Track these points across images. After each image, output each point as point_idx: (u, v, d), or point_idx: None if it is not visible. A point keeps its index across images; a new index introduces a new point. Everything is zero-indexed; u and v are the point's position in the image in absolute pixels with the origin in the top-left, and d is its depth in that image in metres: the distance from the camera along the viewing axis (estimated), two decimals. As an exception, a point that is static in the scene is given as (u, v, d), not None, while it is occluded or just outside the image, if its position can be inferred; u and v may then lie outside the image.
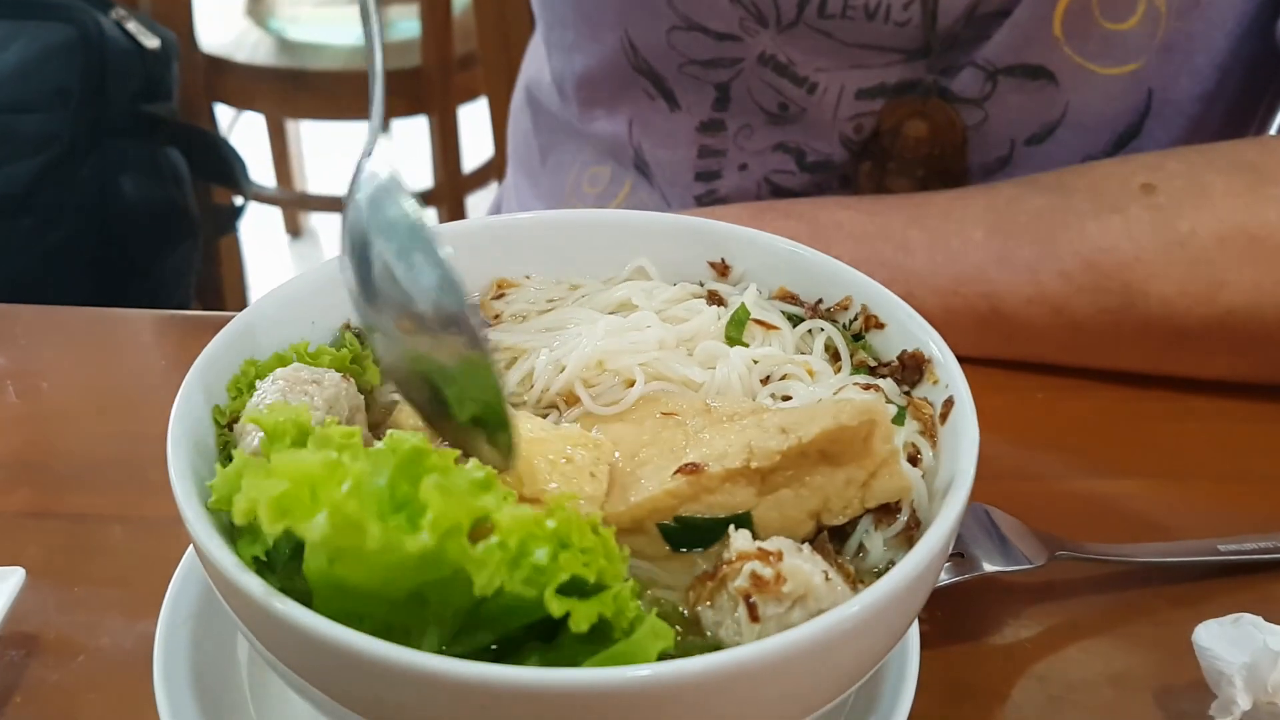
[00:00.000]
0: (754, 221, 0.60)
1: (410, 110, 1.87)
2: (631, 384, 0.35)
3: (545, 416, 0.36)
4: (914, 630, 0.39)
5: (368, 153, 0.38)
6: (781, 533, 0.32)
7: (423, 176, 2.06)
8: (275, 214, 2.71)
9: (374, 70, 0.38)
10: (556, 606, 0.26)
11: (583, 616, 0.26)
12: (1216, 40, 0.61)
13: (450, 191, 1.97)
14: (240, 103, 1.90)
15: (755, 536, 0.30)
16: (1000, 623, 0.43)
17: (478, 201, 2.06)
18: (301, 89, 1.85)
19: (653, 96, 0.72)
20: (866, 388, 0.36)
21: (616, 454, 0.33)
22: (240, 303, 1.63)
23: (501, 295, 0.42)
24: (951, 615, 0.42)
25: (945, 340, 0.54)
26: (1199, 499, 0.49)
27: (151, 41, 1.16)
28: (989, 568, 0.42)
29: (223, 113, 1.96)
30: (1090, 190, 0.54)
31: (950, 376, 0.35)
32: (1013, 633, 0.42)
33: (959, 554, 0.42)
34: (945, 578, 0.41)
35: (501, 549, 0.26)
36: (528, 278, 0.43)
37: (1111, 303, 0.52)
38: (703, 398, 0.35)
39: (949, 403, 0.34)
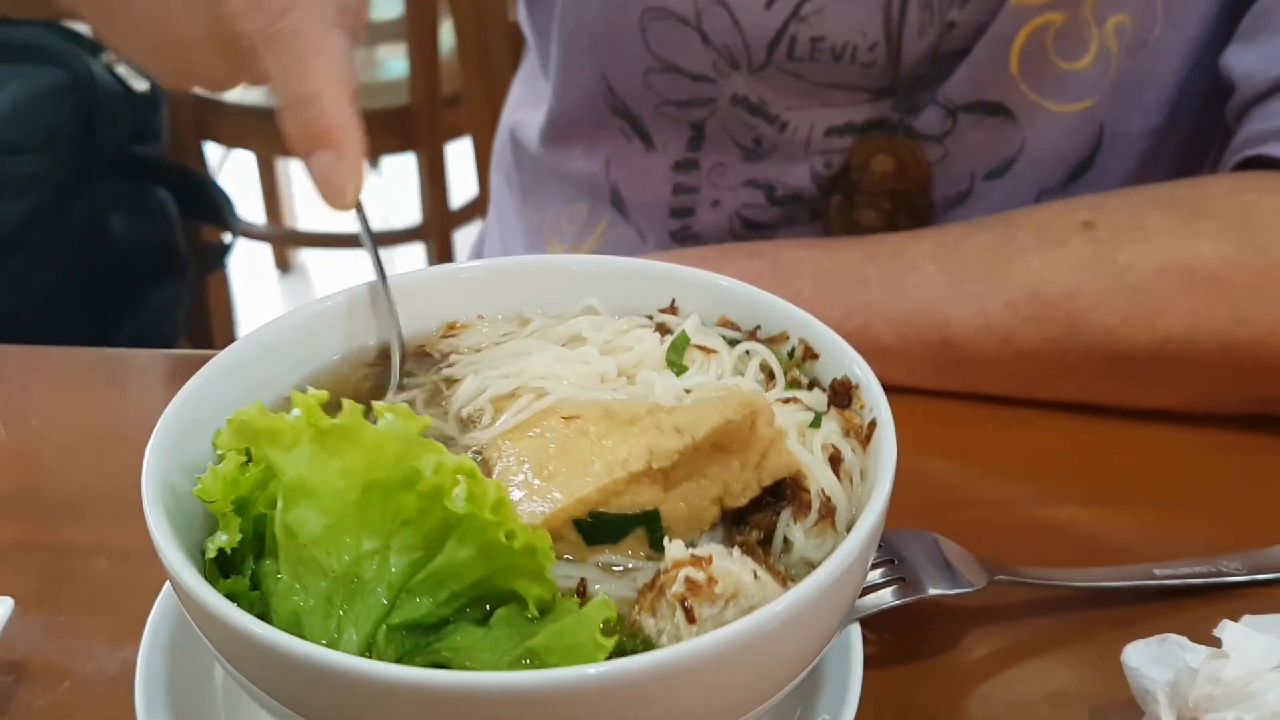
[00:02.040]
0: (722, 260, 0.63)
1: (399, 147, 1.91)
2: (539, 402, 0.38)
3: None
4: (859, 650, 0.41)
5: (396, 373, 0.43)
6: (689, 521, 0.35)
7: (411, 212, 2.09)
8: (265, 249, 2.73)
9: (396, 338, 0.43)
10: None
11: (533, 595, 0.30)
12: (1166, 78, 0.64)
13: (438, 227, 2.00)
14: (231, 141, 1.93)
15: (664, 528, 0.34)
16: (943, 644, 0.45)
17: (464, 236, 2.08)
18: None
19: (629, 137, 0.75)
20: (787, 401, 0.39)
21: (527, 466, 0.35)
22: (229, 338, 1.65)
23: (453, 333, 0.45)
24: (896, 637, 0.44)
25: (900, 370, 0.57)
26: (1138, 525, 0.51)
27: (141, 84, 1.19)
28: (932, 591, 0.44)
29: (213, 150, 1.98)
30: (1034, 227, 0.57)
31: (874, 401, 0.38)
32: (955, 654, 0.44)
33: (902, 578, 0.44)
34: (891, 600, 0.44)
35: (472, 478, 0.31)
36: (480, 318, 0.46)
37: (1056, 332, 0.55)
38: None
39: (873, 424, 0.37)
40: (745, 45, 0.67)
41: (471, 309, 0.47)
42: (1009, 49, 0.64)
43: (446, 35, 1.82)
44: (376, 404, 0.34)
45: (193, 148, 1.72)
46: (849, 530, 0.33)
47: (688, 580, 0.32)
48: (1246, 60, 0.58)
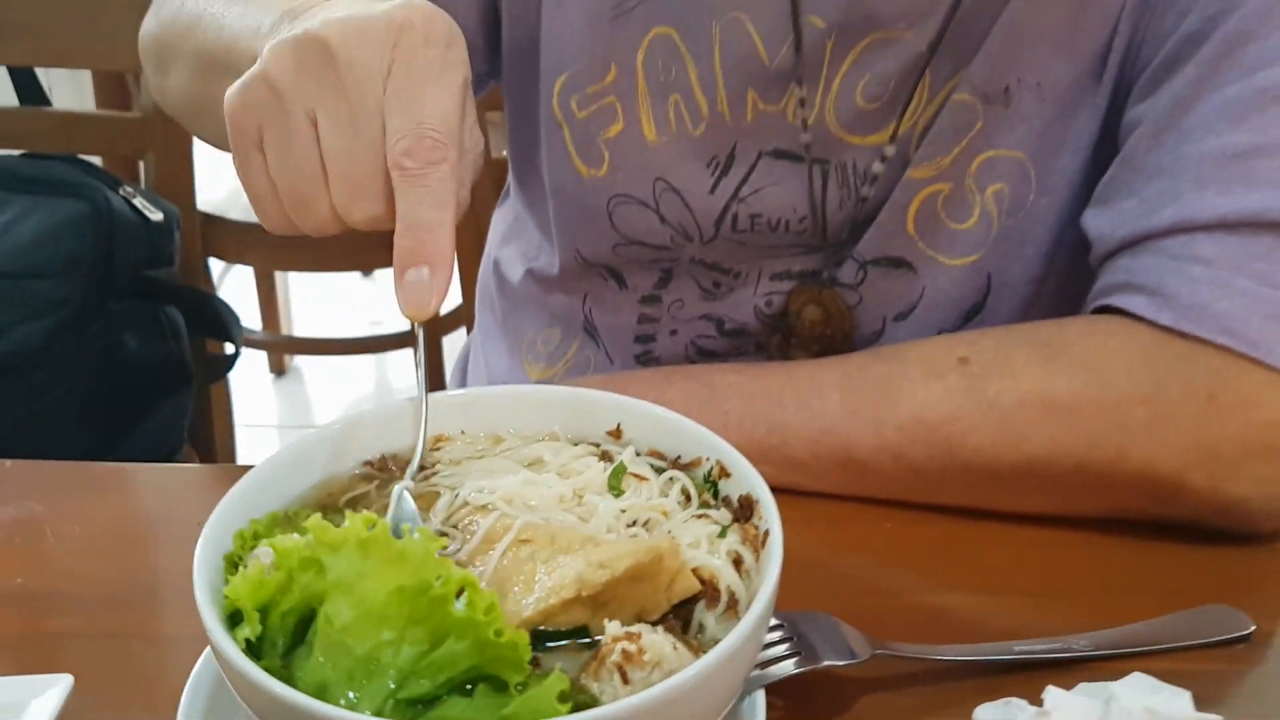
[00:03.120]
0: (665, 383, 0.74)
1: (391, 261, 2.02)
2: (508, 528, 0.47)
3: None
4: (763, 713, 0.50)
5: (410, 476, 0.52)
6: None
7: (402, 319, 2.20)
8: (260, 355, 2.83)
9: (423, 410, 0.53)
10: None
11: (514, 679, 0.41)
12: (1041, 235, 0.76)
13: (429, 333, 2.11)
14: (233, 257, 2.05)
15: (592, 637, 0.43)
16: (836, 707, 0.54)
17: (451, 341, 2.20)
18: (290, 244, 1.99)
19: (605, 279, 0.86)
20: (699, 516, 0.49)
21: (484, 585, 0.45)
22: (228, 442, 1.74)
23: (438, 447, 0.55)
24: (797, 701, 0.54)
25: (813, 479, 0.68)
26: (1004, 609, 0.61)
27: (156, 215, 1.31)
28: (826, 662, 0.53)
29: (214, 263, 2.10)
30: (920, 361, 0.68)
31: (769, 515, 0.48)
32: (846, 714, 0.54)
33: (801, 651, 0.54)
34: (792, 669, 0.53)
35: (473, 589, 0.41)
36: (462, 433, 0.56)
37: (937, 452, 0.65)
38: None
39: (766, 534, 0.47)
40: (696, 223, 0.79)
41: (456, 426, 0.57)
42: (907, 213, 0.75)
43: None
44: (404, 525, 0.44)
45: (198, 264, 1.84)
46: None
47: (623, 651, 0.42)
48: (1099, 223, 0.69)
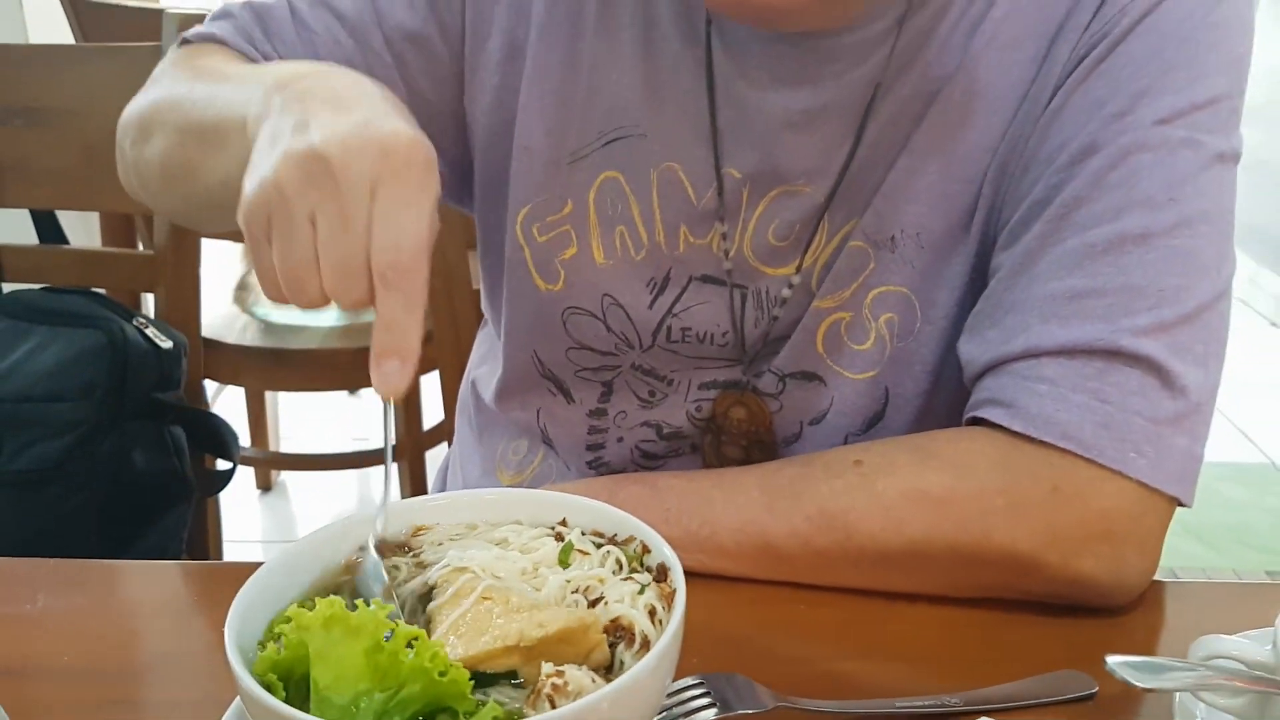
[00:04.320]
0: (615, 486, 0.86)
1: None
2: (474, 588, 0.60)
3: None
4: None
5: (376, 533, 0.64)
6: (536, 680, 0.56)
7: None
8: (247, 471, 2.93)
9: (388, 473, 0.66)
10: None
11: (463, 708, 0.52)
12: (928, 356, 0.89)
13: (412, 448, 2.23)
14: (228, 379, 2.17)
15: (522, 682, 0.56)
16: (747, 750, 0.66)
17: (434, 455, 2.31)
18: (282, 365, 2.13)
19: (554, 394, 0.99)
20: (627, 580, 0.61)
21: (451, 630, 0.57)
22: (216, 554, 1.85)
23: (421, 534, 0.67)
24: (714, 745, 0.65)
25: (737, 565, 0.80)
26: (893, 672, 0.72)
27: (166, 343, 1.45)
28: (738, 711, 0.65)
29: (208, 383, 2.23)
30: (823, 464, 0.81)
31: (678, 577, 0.59)
32: (754, 756, 0.65)
33: (716, 704, 0.66)
34: (711, 717, 0.65)
35: (420, 641, 0.53)
36: (438, 524, 0.69)
37: (839, 538, 0.78)
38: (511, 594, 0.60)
39: (674, 592, 0.59)
40: (636, 333, 0.93)
41: (435, 520, 0.69)
42: (816, 336, 0.89)
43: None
44: (359, 600, 0.56)
45: (196, 385, 1.97)
46: None
47: (552, 684, 0.54)
48: (968, 349, 0.82)
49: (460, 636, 0.57)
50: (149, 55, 1.47)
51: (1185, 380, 0.75)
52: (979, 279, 0.86)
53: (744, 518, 0.80)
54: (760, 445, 0.94)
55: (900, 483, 0.77)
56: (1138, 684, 0.57)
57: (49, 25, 2.47)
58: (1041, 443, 0.76)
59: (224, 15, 0.94)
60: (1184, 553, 2.75)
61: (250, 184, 0.63)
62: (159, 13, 1.57)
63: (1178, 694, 0.66)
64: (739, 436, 0.94)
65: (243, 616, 0.58)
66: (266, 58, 0.90)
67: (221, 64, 0.87)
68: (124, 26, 1.91)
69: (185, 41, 0.94)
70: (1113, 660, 0.58)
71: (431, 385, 2.18)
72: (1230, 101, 0.79)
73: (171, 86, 0.86)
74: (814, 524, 0.78)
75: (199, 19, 1.45)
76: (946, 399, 0.89)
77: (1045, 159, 0.80)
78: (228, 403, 2.79)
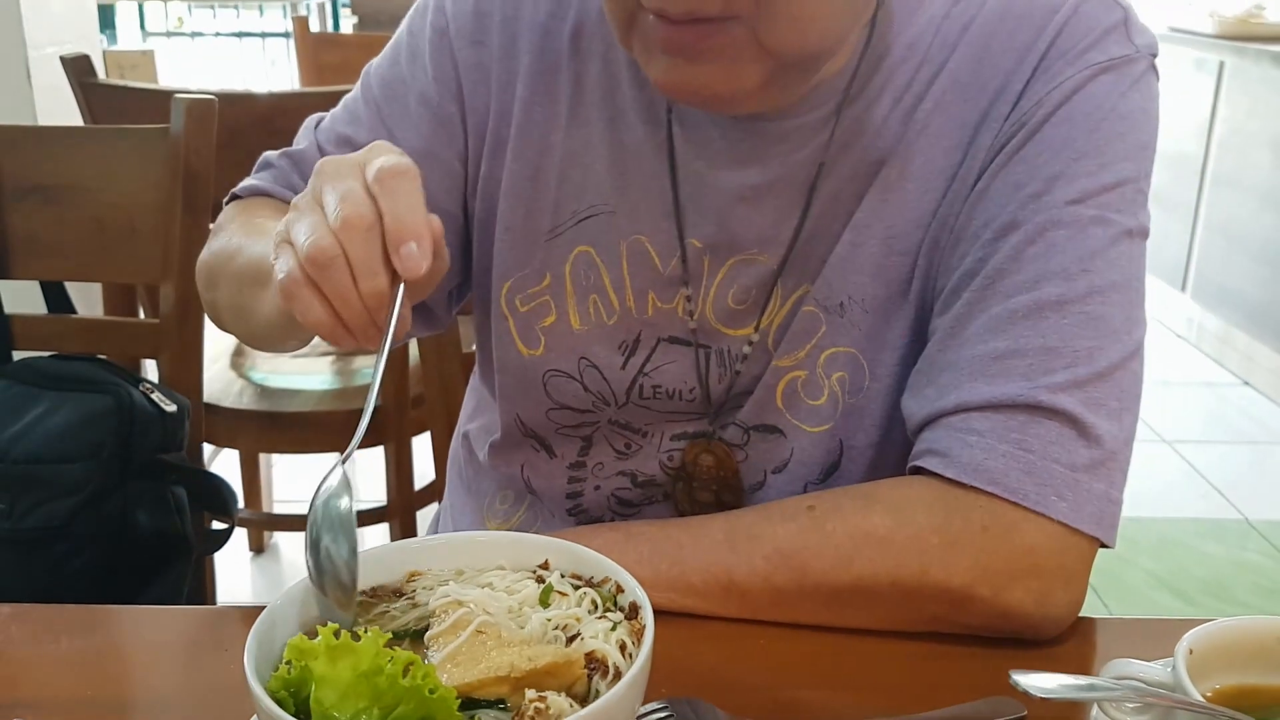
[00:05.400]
0: (592, 533, 0.94)
1: (374, 442, 2.23)
2: (470, 621, 0.67)
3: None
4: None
5: (341, 460, 0.72)
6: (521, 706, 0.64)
7: (379, 494, 2.39)
8: (240, 532, 2.99)
9: (368, 408, 0.73)
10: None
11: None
12: (876, 410, 0.97)
13: (402, 507, 2.30)
14: (224, 442, 2.24)
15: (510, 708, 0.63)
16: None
17: (424, 514, 2.38)
18: (276, 428, 2.20)
19: (537, 450, 1.08)
20: (601, 618, 0.69)
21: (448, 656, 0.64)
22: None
23: (414, 579, 0.75)
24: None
25: (703, 602, 0.88)
26: (842, 699, 0.78)
27: (170, 406, 1.52)
28: (701, 733, 0.73)
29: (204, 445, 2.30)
30: (780, 509, 0.88)
31: (647, 616, 0.67)
32: (714, 773, 0.72)
33: (679, 725, 0.73)
34: (678, 732, 0.72)
35: (415, 665, 0.59)
36: (429, 570, 0.76)
37: (794, 575, 0.85)
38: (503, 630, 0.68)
39: (644, 628, 0.67)
40: (611, 391, 1.02)
41: (426, 565, 0.77)
42: (776, 392, 0.98)
43: (414, 347, 2.19)
44: (359, 628, 0.63)
45: (195, 447, 2.04)
46: None
47: (535, 708, 0.62)
48: (909, 405, 0.91)
49: (457, 665, 0.65)
50: (157, 137, 1.57)
51: (1099, 431, 0.84)
52: (918, 341, 0.95)
53: (708, 557, 0.88)
54: (729, 489, 1.03)
55: (847, 524, 0.85)
56: (1036, 694, 0.64)
57: (57, 106, 2.58)
58: (972, 488, 0.84)
59: (265, 166, 1.08)
60: (1160, 606, 2.81)
61: (292, 214, 0.74)
62: (165, 94, 1.67)
63: (1094, 711, 0.73)
64: (709, 482, 1.03)
65: (259, 643, 0.66)
66: None
67: (265, 215, 1.00)
68: (131, 107, 2.01)
69: (235, 196, 1.08)
70: (1016, 675, 0.65)
71: (422, 445, 2.26)
72: (1137, 183, 0.88)
73: (227, 240, 0.99)
74: (771, 563, 0.86)
75: (208, 103, 1.55)
76: (896, 450, 0.98)
77: (972, 235, 0.89)
78: (222, 466, 2.85)
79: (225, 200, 1.08)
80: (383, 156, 0.72)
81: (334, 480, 0.71)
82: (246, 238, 0.93)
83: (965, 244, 0.88)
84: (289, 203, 1.00)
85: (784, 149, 0.91)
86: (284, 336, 0.91)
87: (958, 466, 0.85)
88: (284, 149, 1.06)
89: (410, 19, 1.02)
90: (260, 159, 1.07)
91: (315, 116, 1.09)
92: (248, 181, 1.05)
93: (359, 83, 1.04)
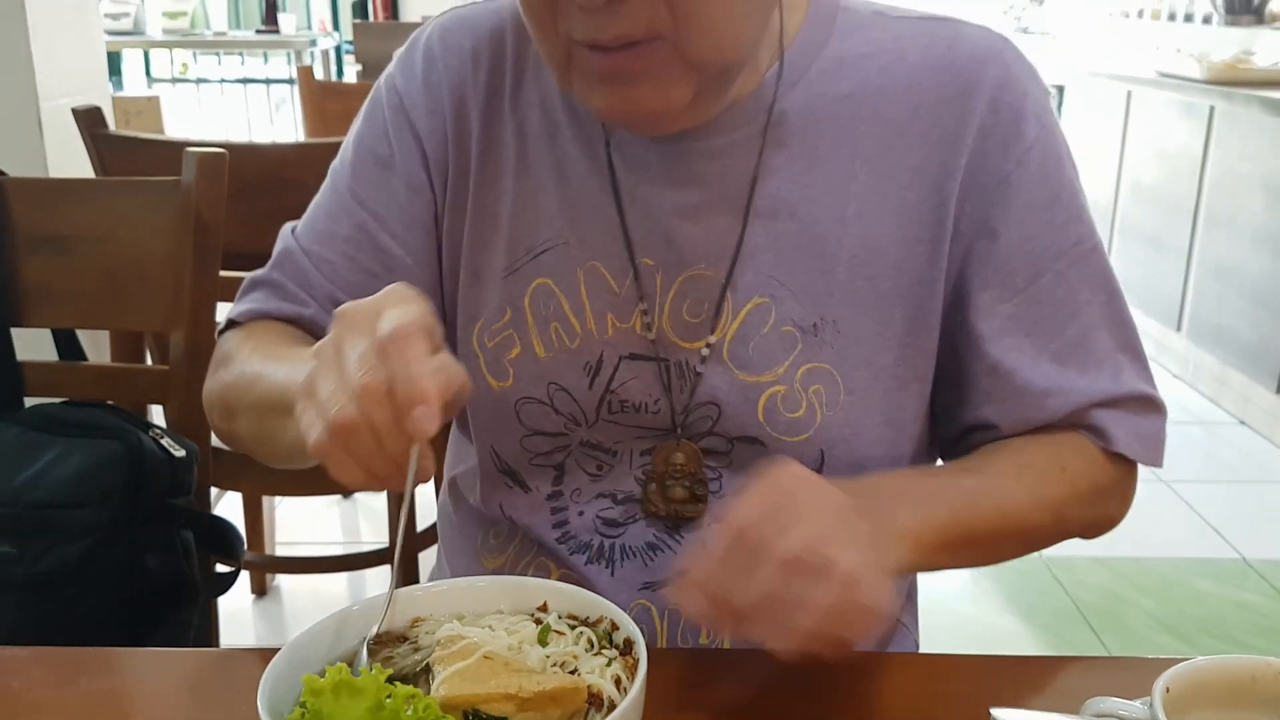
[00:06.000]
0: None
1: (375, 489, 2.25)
2: (476, 649, 0.71)
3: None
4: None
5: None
6: None
7: (382, 537, 2.42)
8: (242, 574, 3.00)
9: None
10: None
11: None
12: (853, 421, 1.03)
13: (407, 549, 2.33)
14: (228, 485, 2.27)
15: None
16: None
17: (426, 555, 2.41)
18: (279, 470, 2.22)
19: (510, 487, 1.12)
20: (597, 654, 0.72)
21: (458, 673, 0.68)
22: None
23: (417, 625, 0.78)
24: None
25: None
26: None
27: (179, 451, 1.55)
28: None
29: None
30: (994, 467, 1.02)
31: (641, 651, 0.71)
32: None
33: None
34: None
35: (416, 698, 0.63)
36: (431, 616, 0.79)
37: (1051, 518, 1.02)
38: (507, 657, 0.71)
39: (637, 663, 0.70)
40: (581, 411, 1.07)
41: (428, 611, 0.80)
42: (757, 406, 1.03)
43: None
44: (362, 666, 0.67)
45: (202, 491, 2.07)
46: None
47: (536, 736, 0.65)
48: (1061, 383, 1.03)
49: (465, 680, 0.68)
50: (169, 189, 1.61)
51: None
52: (889, 357, 1.04)
53: (996, 501, 0.99)
54: (700, 483, 1.07)
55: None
56: (1014, 727, 0.68)
57: (68, 158, 2.63)
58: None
59: (254, 287, 1.12)
60: (1159, 646, 2.83)
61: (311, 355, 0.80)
62: (176, 146, 1.71)
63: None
64: (682, 479, 1.07)
65: (272, 685, 0.69)
66: (306, 305, 1.06)
67: (277, 341, 1.02)
68: (142, 158, 2.06)
69: (233, 323, 1.12)
70: (997, 712, 0.68)
71: (425, 490, 2.29)
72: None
73: (241, 369, 1.04)
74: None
75: (219, 156, 1.59)
76: (874, 458, 1.05)
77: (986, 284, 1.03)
78: (225, 509, 2.88)
79: (220, 330, 1.13)
80: (391, 311, 0.77)
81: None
82: (263, 365, 0.97)
83: (978, 294, 1.02)
84: (294, 320, 1.08)
85: (716, 167, 1.00)
86: (309, 458, 0.95)
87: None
88: (266, 269, 1.10)
89: (365, 112, 1.10)
90: (244, 282, 1.11)
91: (289, 225, 1.11)
92: (243, 307, 1.09)
93: (327, 182, 1.11)
